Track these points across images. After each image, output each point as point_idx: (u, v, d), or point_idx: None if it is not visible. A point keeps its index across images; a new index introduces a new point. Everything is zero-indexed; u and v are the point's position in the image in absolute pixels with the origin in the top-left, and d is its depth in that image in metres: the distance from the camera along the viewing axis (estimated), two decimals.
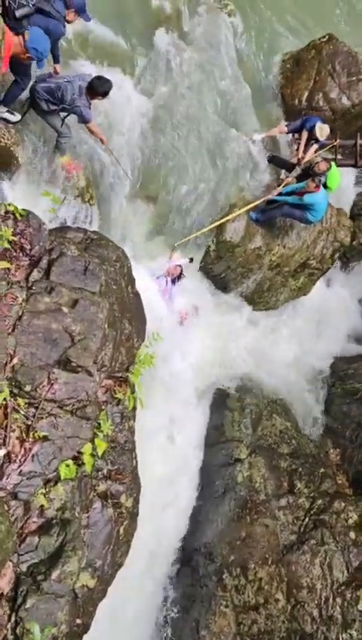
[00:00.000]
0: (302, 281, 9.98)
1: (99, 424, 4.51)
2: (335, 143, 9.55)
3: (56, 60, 6.39)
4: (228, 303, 9.16)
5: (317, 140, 8.53)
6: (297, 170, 8.59)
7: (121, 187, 7.36)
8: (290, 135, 9.24)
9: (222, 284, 9.02)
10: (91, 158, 7.12)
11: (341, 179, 8.66)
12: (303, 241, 9.36)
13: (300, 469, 7.84)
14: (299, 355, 9.98)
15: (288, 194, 8.15)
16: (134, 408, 5.19)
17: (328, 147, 9.39)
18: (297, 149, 8.72)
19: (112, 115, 7.35)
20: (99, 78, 6.01)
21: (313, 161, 8.47)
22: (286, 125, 9.02)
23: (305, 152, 8.62)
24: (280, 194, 8.23)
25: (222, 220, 8.12)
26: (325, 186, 8.28)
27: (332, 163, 8.57)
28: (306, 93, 9.84)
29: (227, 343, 9.00)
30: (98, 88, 5.97)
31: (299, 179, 8.46)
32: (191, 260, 8.15)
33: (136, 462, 5.14)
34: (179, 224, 8.19)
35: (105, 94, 6.11)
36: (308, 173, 8.18)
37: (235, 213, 8.14)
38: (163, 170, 7.99)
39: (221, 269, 8.68)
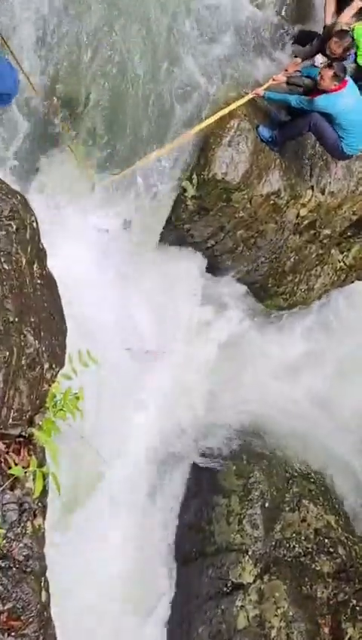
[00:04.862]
0: (355, 253, 8.47)
1: None
2: None
3: None
4: (218, 298, 7.76)
5: None
6: (313, 50, 6.98)
7: (21, 90, 6.00)
8: None
9: (209, 263, 7.48)
10: None
11: None
12: (357, 181, 7.81)
13: (354, 602, 6.52)
14: (346, 391, 8.70)
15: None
16: (44, 493, 4.08)
17: None
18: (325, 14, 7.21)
19: None
20: None
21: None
22: None
23: (338, 13, 7.03)
24: (288, 83, 6.59)
25: (198, 128, 6.21)
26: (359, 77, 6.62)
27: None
28: None
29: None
30: None
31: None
32: (129, 223, 6.61)
33: (48, 595, 4.04)
34: (117, 145, 6.54)
35: None
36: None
37: (222, 111, 6.32)
38: (88, 60, 6.48)
39: (206, 231, 7.05)
